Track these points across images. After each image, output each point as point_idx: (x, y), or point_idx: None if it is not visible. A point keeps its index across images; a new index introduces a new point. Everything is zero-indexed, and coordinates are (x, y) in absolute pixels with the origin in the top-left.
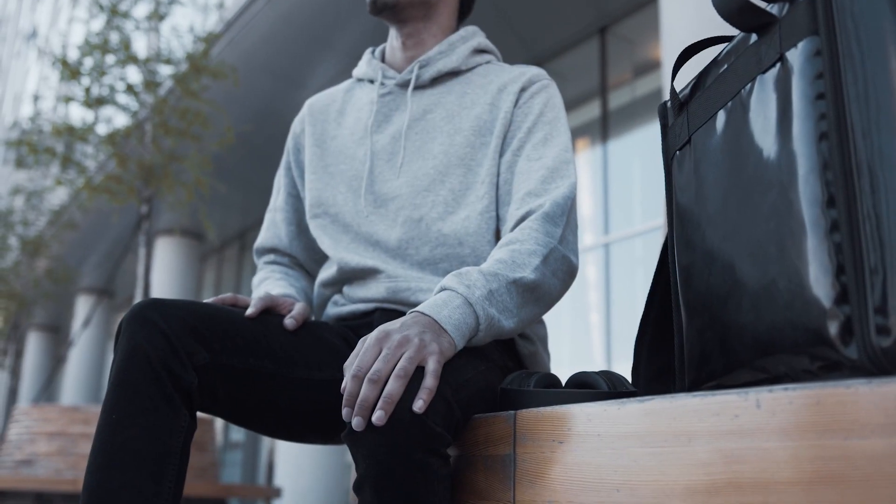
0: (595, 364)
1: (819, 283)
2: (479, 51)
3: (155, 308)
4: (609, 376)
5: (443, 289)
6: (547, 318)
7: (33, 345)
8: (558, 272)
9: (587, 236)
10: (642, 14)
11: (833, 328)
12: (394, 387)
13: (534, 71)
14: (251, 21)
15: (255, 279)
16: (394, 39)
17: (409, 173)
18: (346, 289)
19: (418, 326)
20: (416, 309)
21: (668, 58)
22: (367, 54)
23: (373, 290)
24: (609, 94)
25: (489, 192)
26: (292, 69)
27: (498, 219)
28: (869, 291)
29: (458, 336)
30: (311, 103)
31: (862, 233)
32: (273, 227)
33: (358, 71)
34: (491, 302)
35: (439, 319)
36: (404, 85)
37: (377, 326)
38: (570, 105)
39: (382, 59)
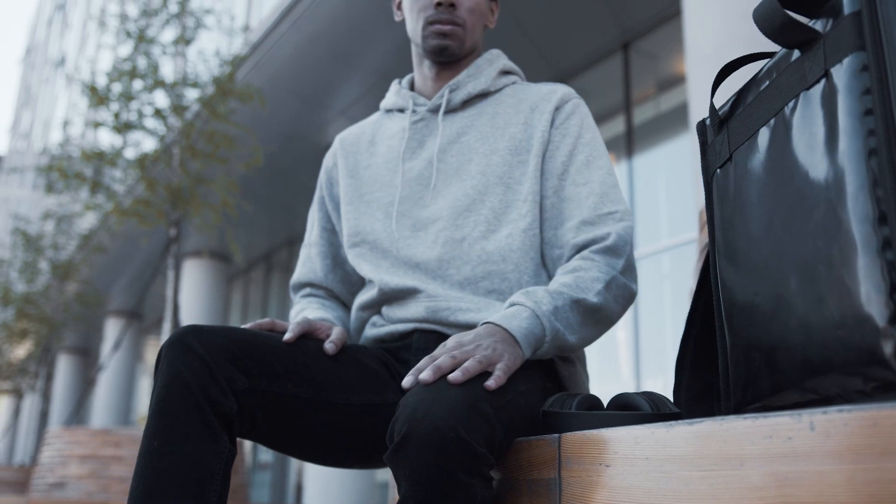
0: (623, 381)
1: (872, 301)
2: (505, 72)
3: (194, 335)
4: (651, 397)
5: (511, 304)
6: None
7: (63, 368)
8: (619, 298)
9: None
10: (665, 29)
11: (888, 348)
12: (471, 364)
13: (564, 89)
14: (276, 43)
15: (292, 312)
16: (426, 69)
17: (448, 195)
18: (385, 309)
19: (491, 337)
20: (487, 321)
21: (693, 72)
22: (394, 85)
23: (412, 311)
24: (633, 110)
25: (532, 211)
26: (318, 90)
27: (542, 239)
28: None
29: (527, 346)
30: (342, 137)
31: None
32: (308, 262)
33: (387, 102)
34: (556, 316)
35: (510, 328)
36: (435, 110)
37: (415, 348)
38: (595, 121)
39: (411, 88)
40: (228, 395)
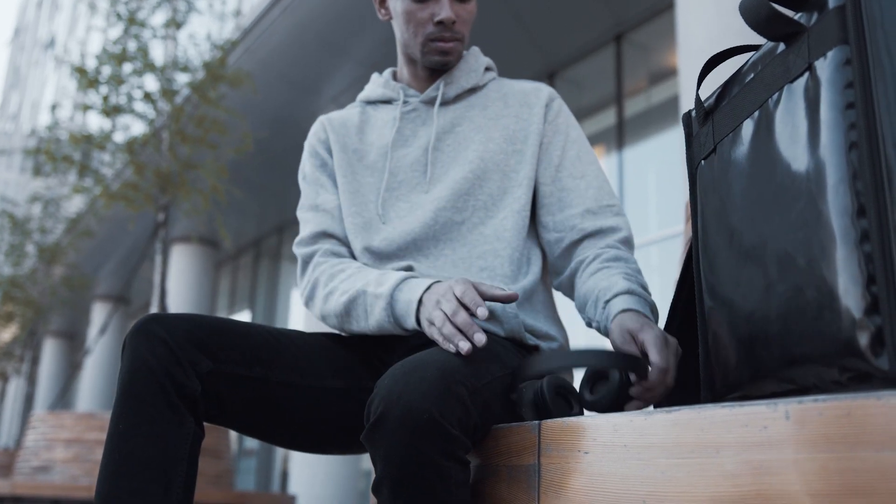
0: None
1: (849, 293)
2: (487, 68)
3: (158, 321)
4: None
5: (629, 291)
6: (564, 326)
7: (49, 352)
8: None
9: None
10: (658, 21)
11: (864, 339)
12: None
13: (548, 88)
14: (268, 29)
15: (322, 269)
16: (419, 70)
17: (447, 179)
18: None
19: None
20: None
21: (685, 65)
22: (377, 78)
23: None
24: (625, 102)
25: (525, 194)
26: (308, 77)
27: (538, 223)
28: None
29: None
30: (328, 118)
31: (893, 243)
32: (322, 217)
33: (370, 94)
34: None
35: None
36: (428, 101)
37: (400, 335)
38: (586, 112)
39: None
40: (192, 377)
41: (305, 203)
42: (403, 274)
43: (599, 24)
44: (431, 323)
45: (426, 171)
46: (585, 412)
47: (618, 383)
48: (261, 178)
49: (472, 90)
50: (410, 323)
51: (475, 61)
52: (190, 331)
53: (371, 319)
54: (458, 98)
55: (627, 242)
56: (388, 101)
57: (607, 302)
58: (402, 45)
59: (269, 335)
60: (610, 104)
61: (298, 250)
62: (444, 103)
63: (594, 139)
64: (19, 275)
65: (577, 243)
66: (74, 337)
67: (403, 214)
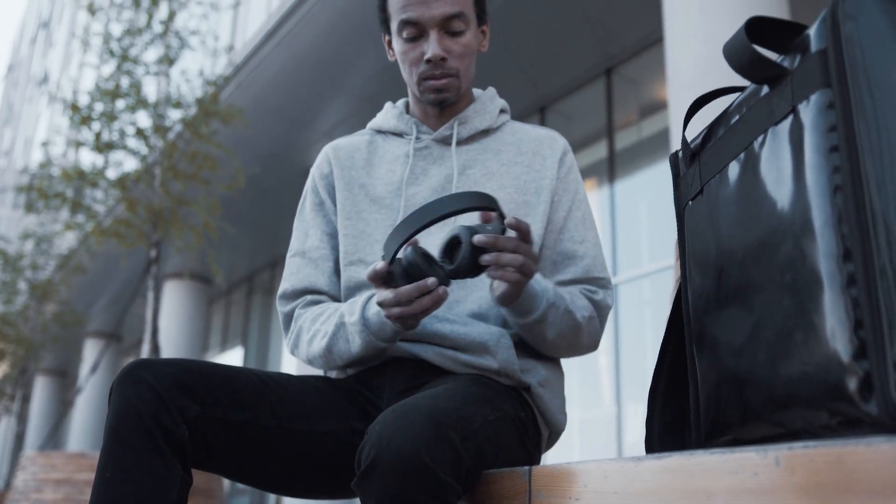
0: (605, 406)
1: (837, 337)
2: (502, 110)
3: (145, 367)
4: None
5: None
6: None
7: (40, 389)
8: (591, 334)
9: None
10: (648, 55)
11: (852, 383)
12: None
13: (562, 139)
14: (260, 64)
15: (304, 318)
16: (428, 107)
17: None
18: None
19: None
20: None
21: (674, 98)
22: (391, 108)
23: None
24: (616, 135)
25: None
26: (301, 112)
27: None
28: (888, 347)
29: (530, 296)
30: (334, 147)
31: (879, 287)
32: (305, 269)
33: (383, 124)
34: (551, 309)
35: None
36: (441, 140)
37: (390, 376)
38: (578, 145)
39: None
40: (180, 422)
41: (294, 245)
42: (367, 294)
43: (590, 57)
44: (392, 311)
45: None
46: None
47: (469, 246)
48: (253, 214)
49: (486, 132)
50: (388, 330)
51: (490, 103)
52: (177, 376)
53: (354, 347)
54: (470, 139)
55: (600, 307)
56: (399, 135)
57: None
58: (407, 84)
59: (257, 379)
60: (601, 137)
61: (281, 307)
62: (458, 143)
63: (586, 172)
64: (11, 312)
65: None
66: (66, 374)
67: None
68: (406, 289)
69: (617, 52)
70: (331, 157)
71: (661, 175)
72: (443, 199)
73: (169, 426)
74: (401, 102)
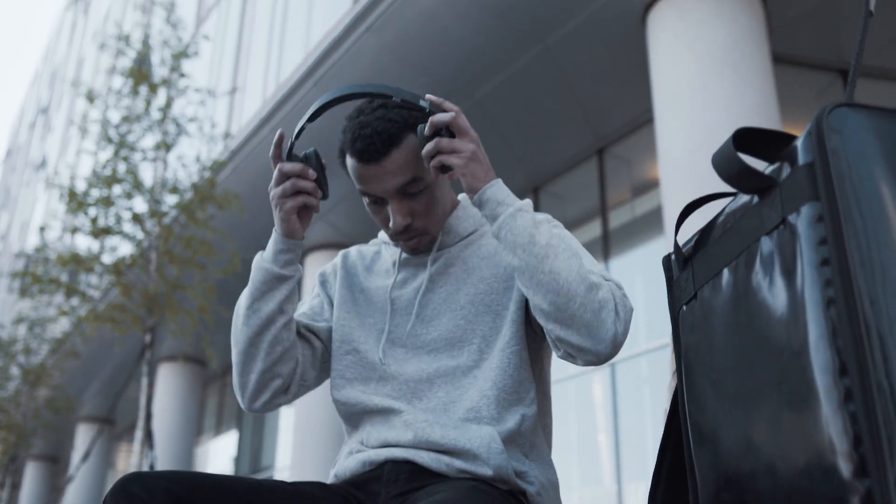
0: (605, 485)
1: (836, 454)
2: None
3: (137, 481)
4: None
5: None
6: (554, 437)
7: (31, 475)
8: (620, 309)
9: None
10: (638, 135)
11: (854, 501)
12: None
13: None
14: (256, 148)
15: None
16: None
17: (439, 326)
18: (367, 428)
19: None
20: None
21: (666, 176)
22: None
23: (394, 433)
24: (609, 214)
25: (510, 330)
26: None
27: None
28: (889, 464)
29: (499, 188)
30: (344, 254)
31: (877, 403)
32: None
33: (384, 234)
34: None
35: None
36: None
37: (386, 479)
38: (572, 225)
39: None
40: None
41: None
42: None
43: (581, 139)
44: (276, 207)
45: (422, 314)
46: None
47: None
48: None
49: (469, 234)
50: (274, 245)
51: (471, 208)
52: (169, 489)
53: (253, 289)
54: (454, 243)
55: (613, 285)
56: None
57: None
58: None
59: (250, 487)
60: (595, 216)
61: None
62: (440, 248)
63: None
64: (2, 398)
65: None
66: (57, 460)
67: (400, 358)
68: (289, 164)
69: (608, 132)
70: (338, 263)
71: (656, 252)
72: (340, 88)
73: None
74: None
